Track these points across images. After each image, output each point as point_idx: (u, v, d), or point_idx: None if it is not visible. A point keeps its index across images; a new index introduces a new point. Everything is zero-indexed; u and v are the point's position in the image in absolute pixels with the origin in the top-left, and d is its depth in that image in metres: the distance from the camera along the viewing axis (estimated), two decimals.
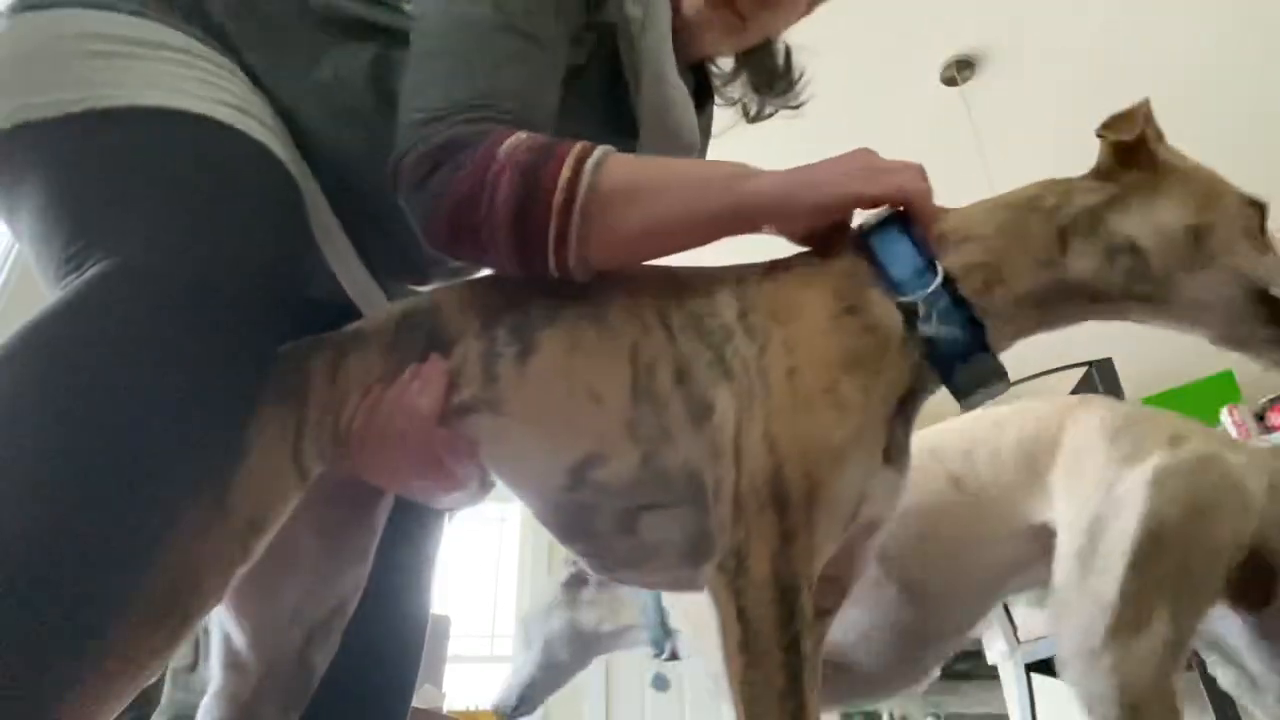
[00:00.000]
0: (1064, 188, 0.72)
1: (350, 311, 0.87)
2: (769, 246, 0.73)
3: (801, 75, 1.04)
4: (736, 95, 1.06)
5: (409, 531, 0.90)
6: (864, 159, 0.72)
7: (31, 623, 0.50)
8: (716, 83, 1.05)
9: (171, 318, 0.61)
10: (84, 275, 0.62)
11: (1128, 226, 0.68)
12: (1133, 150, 0.71)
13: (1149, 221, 0.68)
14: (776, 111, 1.06)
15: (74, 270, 0.64)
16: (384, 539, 0.81)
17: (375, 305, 0.91)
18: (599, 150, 0.69)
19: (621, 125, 0.86)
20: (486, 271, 0.85)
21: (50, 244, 0.67)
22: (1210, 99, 3.30)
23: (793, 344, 0.64)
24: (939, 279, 0.66)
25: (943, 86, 3.21)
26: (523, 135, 0.69)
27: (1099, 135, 0.72)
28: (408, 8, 0.83)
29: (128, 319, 0.60)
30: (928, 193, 0.71)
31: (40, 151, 0.69)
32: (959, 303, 0.66)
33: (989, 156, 3.18)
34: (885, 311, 0.67)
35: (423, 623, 0.92)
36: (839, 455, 0.62)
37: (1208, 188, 0.70)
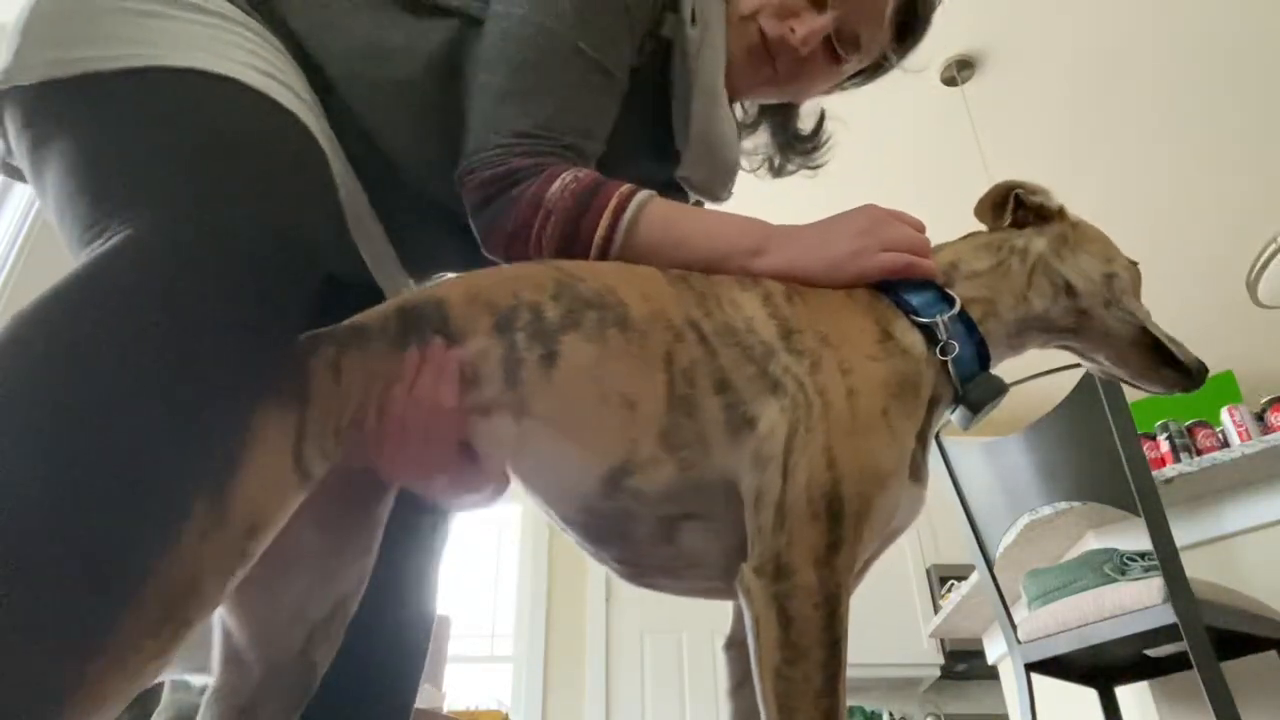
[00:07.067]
0: (1017, 236, 0.85)
1: (376, 295, 0.87)
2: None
3: (827, 140, 1.11)
4: (759, 149, 1.11)
5: (415, 530, 0.89)
6: (868, 220, 0.80)
7: (31, 618, 0.49)
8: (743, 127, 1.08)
9: (189, 296, 0.59)
10: (105, 244, 0.61)
11: (1065, 270, 0.83)
12: (1048, 214, 0.86)
13: (1078, 267, 0.83)
14: (798, 169, 1.12)
15: (97, 237, 0.63)
16: (391, 537, 0.80)
17: (401, 288, 0.92)
18: (633, 206, 0.77)
19: (661, 135, 0.91)
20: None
21: (75, 206, 0.67)
22: (1210, 98, 3.30)
23: (848, 366, 0.69)
24: (958, 306, 0.76)
25: (943, 86, 3.21)
26: (568, 178, 0.77)
27: (1019, 199, 0.87)
28: None
29: (143, 296, 0.59)
30: (925, 248, 0.80)
31: (70, 109, 0.69)
32: (971, 327, 0.76)
33: (989, 156, 3.18)
34: (912, 336, 0.74)
35: (429, 622, 0.92)
36: (888, 478, 0.66)
37: (1108, 243, 0.87)
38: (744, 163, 1.06)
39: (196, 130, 0.68)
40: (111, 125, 0.68)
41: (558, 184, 0.77)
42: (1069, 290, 0.82)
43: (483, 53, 0.82)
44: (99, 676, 0.52)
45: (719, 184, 0.95)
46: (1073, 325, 0.83)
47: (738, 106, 1.06)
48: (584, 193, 0.77)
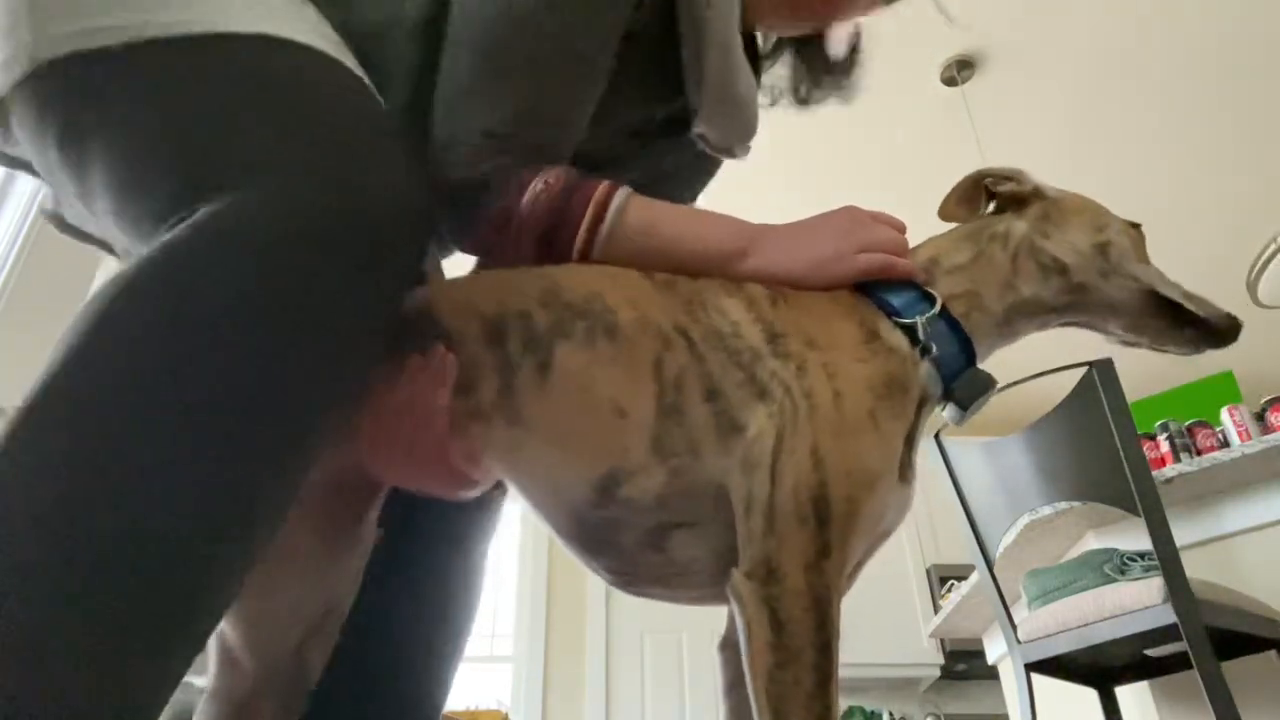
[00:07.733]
0: (997, 222, 0.83)
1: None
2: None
3: (859, 64, 1.03)
4: (778, 82, 1.04)
5: (458, 528, 0.89)
6: (848, 221, 0.79)
7: (46, 629, 0.45)
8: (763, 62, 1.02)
9: (301, 258, 0.54)
10: (198, 219, 0.54)
11: (1052, 248, 0.80)
12: (1022, 198, 0.84)
13: (1065, 242, 0.80)
14: (827, 97, 1.04)
15: (184, 206, 0.56)
16: (433, 536, 0.80)
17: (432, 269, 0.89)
18: (610, 213, 0.74)
19: (666, 89, 0.85)
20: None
21: (144, 176, 0.60)
22: (1210, 98, 3.30)
23: (833, 369, 0.69)
24: (939, 304, 0.75)
25: (943, 86, 3.21)
26: (539, 186, 0.74)
27: (990, 188, 0.85)
28: None
29: (247, 265, 0.53)
30: (904, 248, 0.79)
31: (119, 83, 0.60)
32: (954, 325, 0.75)
33: (989, 156, 3.18)
34: (897, 335, 0.73)
35: (469, 621, 0.91)
36: (876, 480, 0.66)
37: (1097, 211, 0.83)
38: (762, 98, 0.99)
39: (286, 91, 0.61)
40: (184, 96, 0.60)
41: (529, 194, 0.74)
42: (1059, 268, 0.79)
43: (449, 28, 0.76)
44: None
45: (737, 142, 0.90)
46: (1070, 303, 0.80)
47: (758, 37, 0.99)
48: (555, 202, 0.74)
